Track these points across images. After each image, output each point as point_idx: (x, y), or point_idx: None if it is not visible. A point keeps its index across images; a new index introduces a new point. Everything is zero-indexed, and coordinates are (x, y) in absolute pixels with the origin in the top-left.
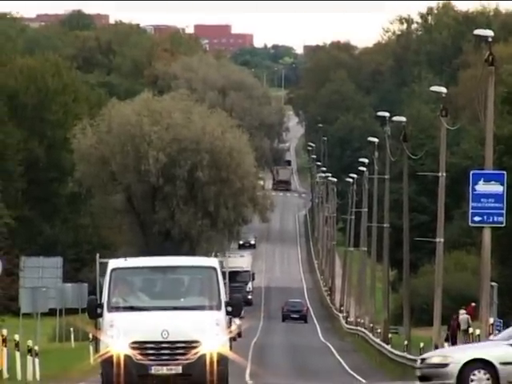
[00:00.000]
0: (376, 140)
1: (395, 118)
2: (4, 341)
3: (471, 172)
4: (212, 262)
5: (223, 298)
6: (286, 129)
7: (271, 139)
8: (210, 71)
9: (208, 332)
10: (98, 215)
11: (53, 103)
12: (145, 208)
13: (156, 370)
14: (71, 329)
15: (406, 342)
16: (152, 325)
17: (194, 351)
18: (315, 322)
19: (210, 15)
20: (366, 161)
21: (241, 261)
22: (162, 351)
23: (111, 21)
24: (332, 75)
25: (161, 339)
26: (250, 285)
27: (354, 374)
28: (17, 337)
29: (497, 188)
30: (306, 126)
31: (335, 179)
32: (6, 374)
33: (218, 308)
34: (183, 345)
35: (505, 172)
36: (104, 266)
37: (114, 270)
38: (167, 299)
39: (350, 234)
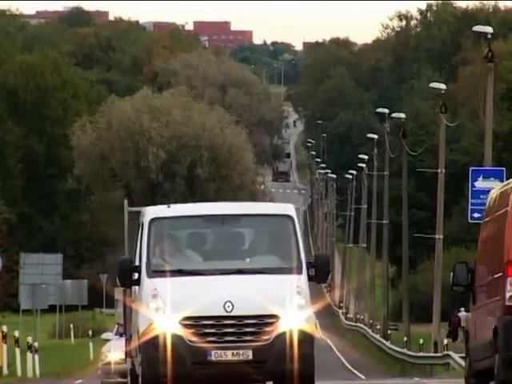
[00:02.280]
0: (375, 136)
1: (394, 115)
2: (4, 337)
3: (470, 168)
4: (287, 209)
5: (303, 257)
6: (285, 125)
7: (270, 136)
8: (210, 68)
9: (287, 303)
10: (97, 212)
11: (52, 100)
12: (144, 204)
13: (217, 355)
14: (71, 325)
15: (405, 339)
16: (210, 294)
17: (268, 330)
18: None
19: (210, 12)
20: (366, 157)
21: None
22: (225, 330)
23: (110, 17)
24: (331, 72)
25: (223, 314)
26: None
27: (354, 370)
28: (17, 333)
29: (496, 184)
30: (305, 122)
31: (334, 176)
32: (5, 371)
33: (299, 271)
34: (254, 321)
35: (504, 168)
36: (134, 216)
37: (154, 220)
38: (228, 259)
39: (349, 231)
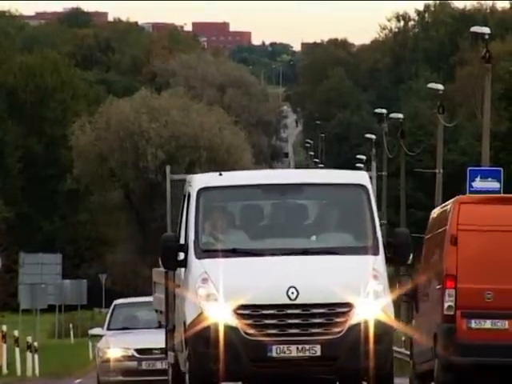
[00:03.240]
0: (373, 137)
1: (392, 115)
2: (3, 337)
3: (468, 168)
4: (360, 177)
5: (380, 234)
6: (284, 125)
7: (269, 136)
8: (208, 68)
9: (362, 289)
10: (96, 212)
11: (51, 100)
12: (143, 205)
13: (279, 351)
14: (70, 325)
15: (403, 338)
16: (271, 279)
17: (339, 321)
18: None
19: (208, 13)
20: (364, 157)
21: None
22: (289, 321)
23: (110, 18)
24: (329, 72)
25: (286, 302)
26: None
27: None
28: (16, 333)
29: (493, 184)
30: (303, 123)
31: None
32: (5, 370)
33: (375, 251)
34: (322, 310)
35: (501, 168)
36: (178, 185)
37: (203, 190)
38: (291, 237)
39: None
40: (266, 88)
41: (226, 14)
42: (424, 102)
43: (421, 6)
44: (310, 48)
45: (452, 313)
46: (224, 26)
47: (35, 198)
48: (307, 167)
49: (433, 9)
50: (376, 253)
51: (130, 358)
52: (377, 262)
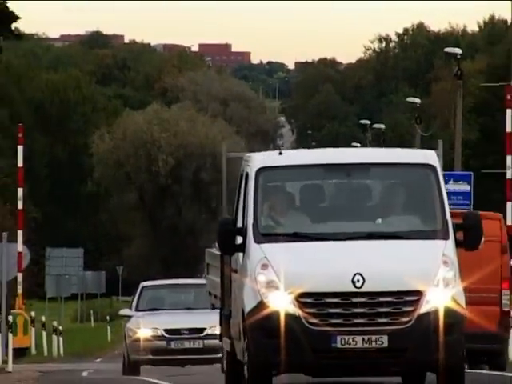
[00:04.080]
0: (359, 145)
1: (375, 126)
2: (32, 321)
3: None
4: (429, 156)
5: (450, 218)
6: (280, 135)
7: (266, 144)
8: (213, 85)
9: (432, 276)
10: (114, 211)
11: (74, 113)
12: (155, 205)
13: (344, 341)
14: (91, 311)
15: None
16: (335, 265)
17: (408, 310)
18: None
19: (213, 35)
20: None
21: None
22: (354, 310)
23: (126, 40)
24: (320, 88)
25: (351, 289)
26: None
27: None
28: (43, 318)
29: (465, 187)
30: (297, 132)
31: None
32: (34, 351)
33: (445, 235)
34: (390, 299)
35: (472, 173)
36: (234, 163)
37: (262, 170)
38: (356, 220)
39: None
40: (263, 102)
41: (229, 36)
42: (403, 114)
43: (400, 29)
44: (302, 66)
45: None
46: (226, 46)
47: (60, 200)
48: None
49: (411, 32)
50: (446, 237)
51: (159, 337)
52: (447, 247)
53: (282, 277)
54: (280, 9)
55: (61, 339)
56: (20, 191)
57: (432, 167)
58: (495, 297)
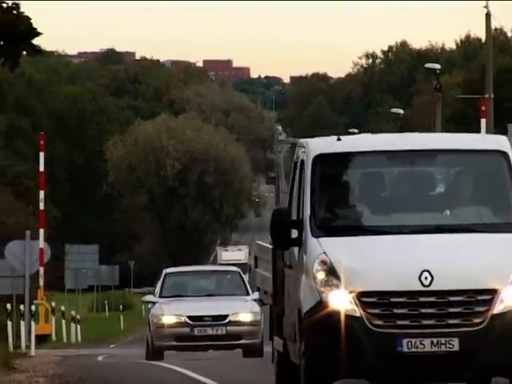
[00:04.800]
0: None
1: None
2: (53, 311)
3: None
4: (501, 141)
5: None
6: (276, 142)
7: (264, 151)
8: (216, 97)
9: (506, 274)
10: (126, 211)
11: (90, 123)
12: (164, 206)
13: (411, 345)
14: (106, 301)
15: None
16: (400, 261)
17: (481, 310)
18: None
19: (216, 52)
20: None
21: (238, 254)
22: (422, 310)
23: (137, 57)
24: (312, 100)
25: (419, 288)
26: (246, 276)
27: None
28: (63, 308)
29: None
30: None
31: None
32: (54, 338)
33: None
34: (461, 298)
35: None
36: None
37: (320, 157)
38: (421, 212)
39: None
40: (262, 112)
41: (230, 53)
42: (388, 124)
43: (385, 47)
44: (296, 80)
45: None
46: (228, 62)
47: (78, 201)
48: None
49: (395, 49)
50: None
51: (183, 324)
52: None
53: (342, 274)
54: (277, 29)
55: (78, 327)
56: (42, 193)
57: (504, 154)
58: None
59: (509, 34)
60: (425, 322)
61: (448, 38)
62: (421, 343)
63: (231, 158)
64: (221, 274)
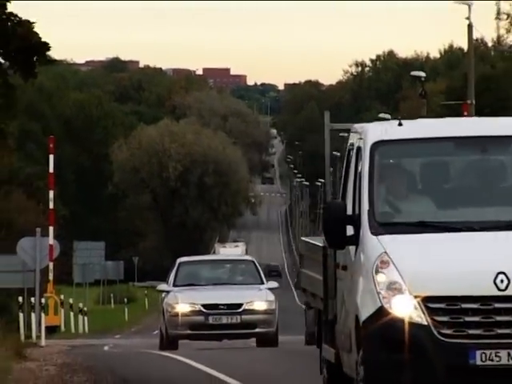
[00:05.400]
0: (338, 154)
1: None
2: (62, 303)
3: None
4: None
5: None
6: (271, 145)
7: (260, 154)
8: (215, 103)
9: None
10: (131, 210)
11: (97, 127)
12: (166, 205)
13: (485, 357)
14: (111, 295)
15: None
16: (472, 262)
17: None
18: (293, 291)
19: (215, 61)
20: (331, 169)
21: (235, 250)
22: (498, 318)
23: (141, 65)
24: (305, 105)
25: (494, 293)
26: None
27: None
28: (71, 300)
29: None
30: (285, 143)
31: (308, 183)
32: (63, 328)
33: None
34: None
35: None
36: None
37: (379, 144)
38: (493, 206)
39: (319, 224)
40: (257, 117)
41: (228, 61)
42: None
43: (374, 56)
44: (290, 87)
45: None
46: (226, 70)
47: (85, 200)
48: (288, 176)
49: (382, 58)
50: None
51: (198, 312)
52: None
53: (406, 277)
54: (272, 39)
55: (86, 318)
56: (51, 193)
57: None
58: None
59: (489, 44)
60: (500, 332)
61: (432, 48)
62: (496, 355)
63: (229, 160)
64: (235, 263)
